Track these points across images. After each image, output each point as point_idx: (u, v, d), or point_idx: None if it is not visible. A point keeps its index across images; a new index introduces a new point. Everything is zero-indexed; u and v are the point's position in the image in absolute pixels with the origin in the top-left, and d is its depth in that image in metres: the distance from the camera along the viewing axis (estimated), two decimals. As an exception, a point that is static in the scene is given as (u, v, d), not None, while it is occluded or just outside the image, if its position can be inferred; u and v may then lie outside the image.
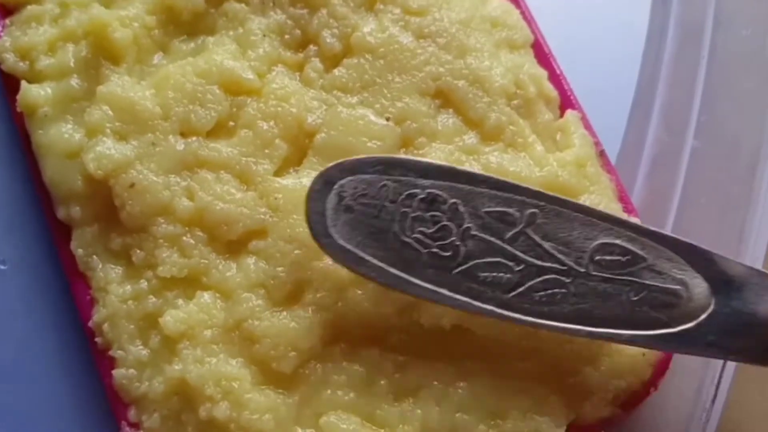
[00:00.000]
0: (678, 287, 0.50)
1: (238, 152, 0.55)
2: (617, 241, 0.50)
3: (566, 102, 0.61)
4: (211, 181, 0.54)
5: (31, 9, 0.59)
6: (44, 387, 0.57)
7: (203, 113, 0.55)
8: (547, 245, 0.50)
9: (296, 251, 0.53)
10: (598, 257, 0.50)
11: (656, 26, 0.72)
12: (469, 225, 0.50)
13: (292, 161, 0.56)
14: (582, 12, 0.71)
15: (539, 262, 0.50)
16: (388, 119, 0.56)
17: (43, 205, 0.57)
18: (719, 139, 0.64)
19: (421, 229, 0.50)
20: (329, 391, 0.52)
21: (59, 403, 0.56)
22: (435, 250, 0.50)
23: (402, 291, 0.50)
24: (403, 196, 0.50)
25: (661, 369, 0.55)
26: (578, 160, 0.58)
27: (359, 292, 0.53)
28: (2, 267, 0.59)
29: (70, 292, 0.56)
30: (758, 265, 0.53)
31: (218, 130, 0.56)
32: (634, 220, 0.55)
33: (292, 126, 0.56)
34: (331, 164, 0.50)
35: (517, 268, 0.50)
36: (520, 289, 0.50)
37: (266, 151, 0.55)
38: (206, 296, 0.53)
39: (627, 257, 0.50)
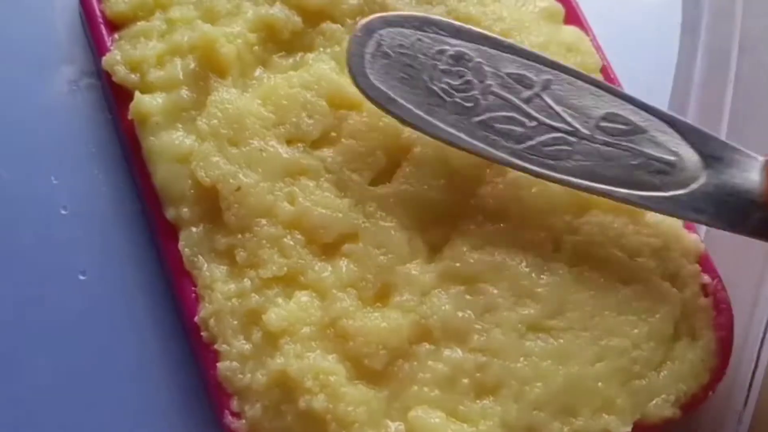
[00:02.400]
0: (673, 158, 0.56)
1: (340, 161, 0.59)
2: (621, 112, 0.57)
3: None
4: (311, 188, 0.59)
5: (140, 25, 0.64)
6: (147, 383, 0.60)
7: (310, 122, 0.60)
8: (558, 108, 0.56)
9: (384, 256, 0.58)
10: (603, 123, 0.56)
11: (685, 54, 0.77)
12: (490, 82, 0.56)
13: (387, 174, 0.60)
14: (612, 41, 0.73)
15: (550, 122, 0.56)
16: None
17: (149, 207, 0.61)
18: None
19: (448, 80, 0.56)
20: (416, 388, 0.56)
21: (162, 397, 0.60)
22: (458, 100, 0.56)
23: (424, 132, 0.56)
24: (434, 51, 0.57)
25: (718, 375, 0.60)
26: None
27: (442, 296, 0.57)
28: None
29: (171, 290, 0.60)
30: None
31: (321, 141, 0.60)
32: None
33: (391, 139, 0.60)
34: (374, 15, 0.57)
35: (530, 124, 0.56)
36: (531, 142, 0.56)
37: (367, 161, 0.59)
38: (304, 295, 0.57)
39: (629, 126, 0.57)
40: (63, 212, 0.63)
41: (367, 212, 0.59)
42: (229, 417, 0.57)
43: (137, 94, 0.61)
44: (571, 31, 0.67)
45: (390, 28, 0.57)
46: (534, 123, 0.56)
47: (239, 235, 0.58)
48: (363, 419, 0.55)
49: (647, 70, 0.75)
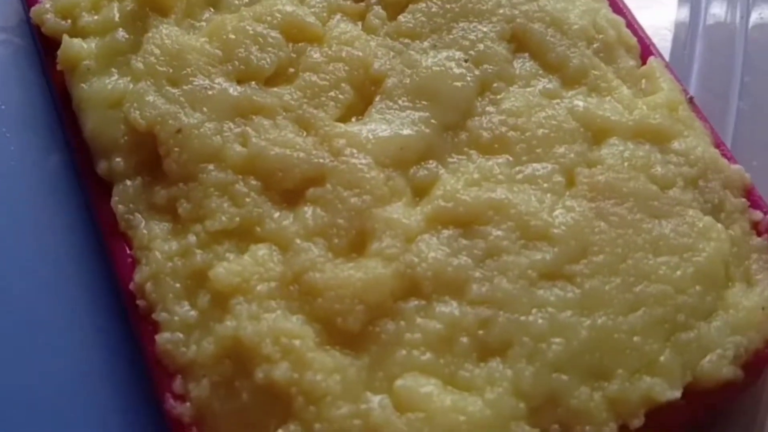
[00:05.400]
0: None
1: (299, 97, 0.50)
2: None
3: (646, 51, 0.56)
4: (267, 127, 0.49)
5: (72, -31, 0.56)
6: (76, 358, 0.50)
7: (262, 57, 0.51)
8: None
9: (357, 198, 0.47)
10: None
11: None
12: None
13: (356, 110, 0.51)
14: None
15: None
16: (466, 61, 0.51)
17: (78, 162, 0.52)
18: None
19: None
20: (404, 351, 0.44)
21: (93, 375, 0.50)
22: None
23: None
24: None
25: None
26: (669, 103, 0.53)
27: (432, 241, 0.47)
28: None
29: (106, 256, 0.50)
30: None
31: (277, 77, 0.52)
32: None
33: (358, 71, 0.52)
34: None
35: None
36: None
37: (330, 94, 0.51)
38: (261, 248, 0.47)
39: None
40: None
41: (335, 149, 0.49)
42: (171, 400, 0.45)
43: (65, 38, 0.53)
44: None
45: None
46: None
47: (181, 185, 0.49)
48: (336, 391, 0.43)
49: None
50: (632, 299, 0.46)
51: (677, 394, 0.45)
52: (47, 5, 0.55)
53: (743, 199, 0.51)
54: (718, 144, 0.53)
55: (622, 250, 0.47)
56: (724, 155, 0.52)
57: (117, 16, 0.54)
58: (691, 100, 0.54)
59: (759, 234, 0.50)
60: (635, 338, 0.45)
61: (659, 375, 0.45)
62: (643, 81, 0.54)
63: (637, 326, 0.46)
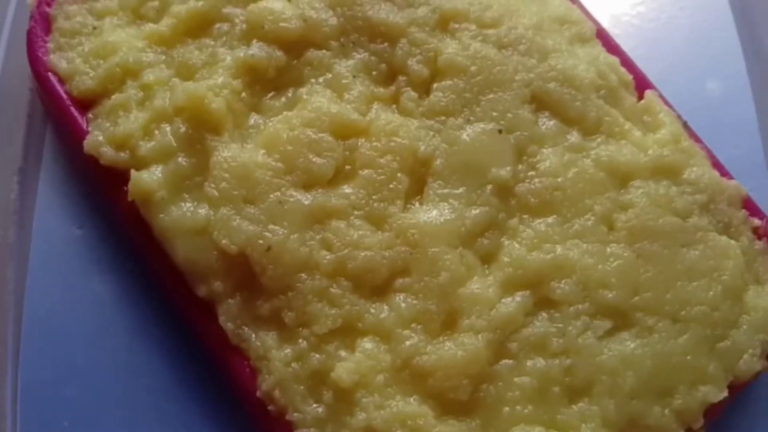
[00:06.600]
0: None
1: (364, 194, 0.55)
2: None
3: (641, 83, 0.63)
4: (344, 229, 0.55)
5: (114, 98, 0.59)
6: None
7: (322, 162, 0.56)
8: None
9: (441, 282, 0.54)
10: None
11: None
12: None
13: (413, 191, 0.57)
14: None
15: None
16: (500, 131, 0.57)
17: (173, 287, 0.57)
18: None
19: None
20: (507, 409, 0.53)
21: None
22: None
23: None
24: None
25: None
26: (674, 137, 0.60)
27: (510, 306, 0.54)
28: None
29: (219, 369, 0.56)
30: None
31: (337, 177, 0.56)
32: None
33: (408, 158, 0.56)
34: None
35: None
36: None
37: (390, 186, 0.56)
38: (367, 342, 0.53)
39: None
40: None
41: (411, 242, 0.55)
42: (317, 488, 0.52)
43: (133, 172, 0.56)
44: (558, 2, 0.64)
45: None
46: None
47: (281, 296, 0.54)
48: (462, 455, 0.51)
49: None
50: (680, 325, 0.55)
51: (725, 393, 0.55)
52: (99, 137, 0.58)
53: (744, 210, 0.60)
54: (715, 163, 0.61)
55: (664, 283, 0.56)
56: (721, 174, 0.61)
57: (173, 141, 0.57)
58: (685, 125, 0.62)
59: (759, 238, 0.60)
60: (688, 357, 0.55)
61: (710, 383, 0.55)
62: (645, 116, 0.62)
63: (687, 347, 0.55)
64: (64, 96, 0.60)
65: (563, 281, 0.55)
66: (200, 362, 0.58)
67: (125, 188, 0.56)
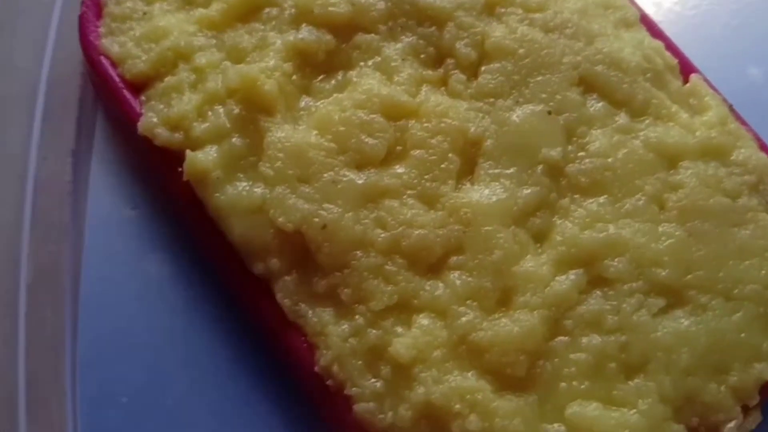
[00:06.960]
0: None
1: (416, 174, 0.56)
2: None
3: (686, 67, 0.64)
4: (397, 208, 0.55)
5: (167, 81, 0.59)
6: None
7: (374, 142, 0.56)
8: None
9: (495, 260, 0.54)
10: None
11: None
12: None
13: (465, 171, 0.57)
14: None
15: None
16: (549, 113, 0.58)
17: (229, 265, 0.57)
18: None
19: None
20: (564, 384, 0.53)
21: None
22: None
23: None
24: None
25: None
26: (720, 119, 0.61)
27: (564, 284, 0.54)
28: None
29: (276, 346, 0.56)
30: None
31: (389, 157, 0.57)
32: None
33: (458, 139, 0.57)
34: None
35: None
36: None
37: (442, 166, 0.56)
38: (423, 318, 0.54)
39: None
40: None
41: (464, 220, 0.55)
42: (377, 459, 0.52)
43: (189, 152, 0.56)
44: (602, -13, 0.64)
45: None
46: None
47: (337, 273, 0.54)
48: (521, 430, 0.51)
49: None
50: (733, 303, 0.55)
51: (780, 371, 0.55)
52: (153, 119, 0.58)
53: (790, 189, 0.60)
54: (762, 146, 0.62)
55: (716, 262, 0.56)
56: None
57: (227, 122, 0.57)
58: (731, 108, 0.63)
59: (803, 215, 0.60)
60: (742, 335, 0.55)
61: (765, 360, 0.55)
62: (691, 99, 0.62)
63: (741, 324, 0.55)
64: (117, 79, 0.60)
65: (616, 259, 0.55)
66: (255, 339, 0.58)
67: (179, 169, 0.57)
